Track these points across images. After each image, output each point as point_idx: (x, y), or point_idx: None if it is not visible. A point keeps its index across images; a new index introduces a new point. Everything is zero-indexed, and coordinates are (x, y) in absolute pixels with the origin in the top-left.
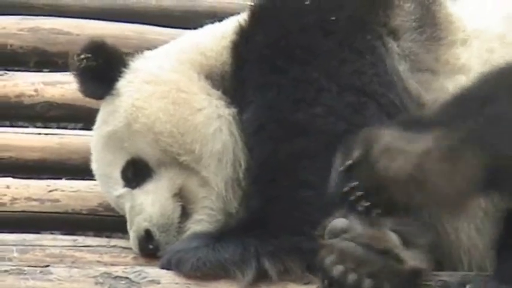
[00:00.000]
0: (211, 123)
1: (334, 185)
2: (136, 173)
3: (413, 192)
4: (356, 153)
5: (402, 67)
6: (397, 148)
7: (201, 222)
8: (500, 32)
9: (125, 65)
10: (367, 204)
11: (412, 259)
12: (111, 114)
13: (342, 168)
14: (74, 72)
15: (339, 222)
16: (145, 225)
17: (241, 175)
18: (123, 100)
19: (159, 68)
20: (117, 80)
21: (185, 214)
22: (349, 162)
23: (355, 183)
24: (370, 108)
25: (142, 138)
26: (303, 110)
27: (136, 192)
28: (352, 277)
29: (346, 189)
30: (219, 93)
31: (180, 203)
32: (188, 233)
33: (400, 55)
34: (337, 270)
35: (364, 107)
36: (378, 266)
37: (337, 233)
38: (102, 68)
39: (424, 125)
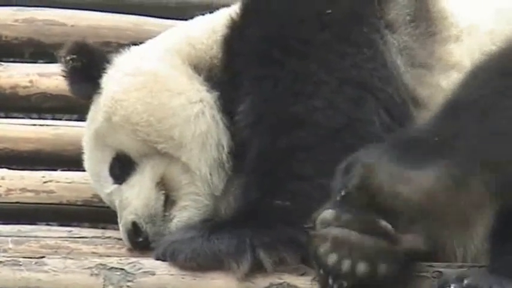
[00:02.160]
0: (192, 106)
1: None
2: (122, 168)
3: (420, 217)
4: (352, 184)
5: (399, 61)
6: (397, 183)
7: (187, 208)
8: (491, 28)
9: (108, 61)
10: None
11: (408, 240)
12: (96, 112)
13: (338, 198)
14: (63, 75)
15: (328, 212)
16: (132, 218)
17: (224, 158)
18: (103, 94)
19: (141, 59)
20: (101, 77)
21: (170, 202)
22: (344, 192)
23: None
24: (369, 102)
25: (122, 131)
26: (302, 102)
27: (124, 187)
28: (347, 264)
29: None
30: (200, 78)
31: (163, 192)
32: (175, 220)
33: (397, 48)
34: (332, 258)
35: (363, 101)
36: (373, 249)
37: (328, 222)
38: (87, 68)
39: (421, 148)
